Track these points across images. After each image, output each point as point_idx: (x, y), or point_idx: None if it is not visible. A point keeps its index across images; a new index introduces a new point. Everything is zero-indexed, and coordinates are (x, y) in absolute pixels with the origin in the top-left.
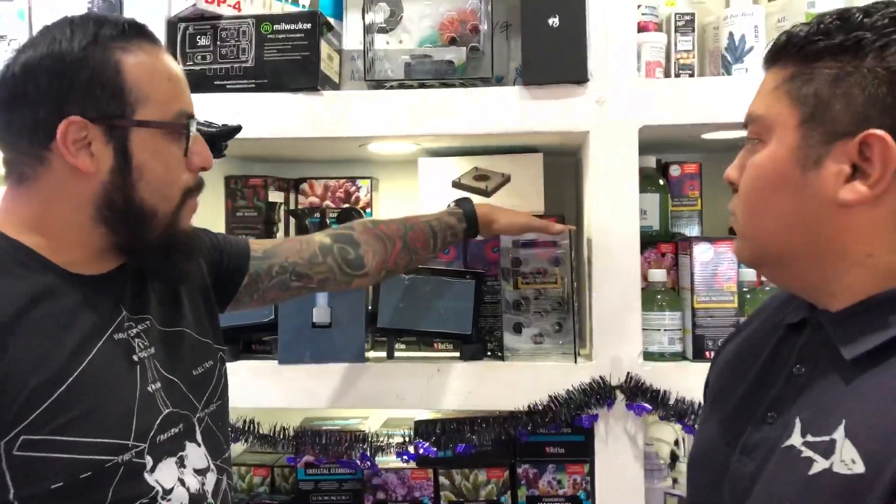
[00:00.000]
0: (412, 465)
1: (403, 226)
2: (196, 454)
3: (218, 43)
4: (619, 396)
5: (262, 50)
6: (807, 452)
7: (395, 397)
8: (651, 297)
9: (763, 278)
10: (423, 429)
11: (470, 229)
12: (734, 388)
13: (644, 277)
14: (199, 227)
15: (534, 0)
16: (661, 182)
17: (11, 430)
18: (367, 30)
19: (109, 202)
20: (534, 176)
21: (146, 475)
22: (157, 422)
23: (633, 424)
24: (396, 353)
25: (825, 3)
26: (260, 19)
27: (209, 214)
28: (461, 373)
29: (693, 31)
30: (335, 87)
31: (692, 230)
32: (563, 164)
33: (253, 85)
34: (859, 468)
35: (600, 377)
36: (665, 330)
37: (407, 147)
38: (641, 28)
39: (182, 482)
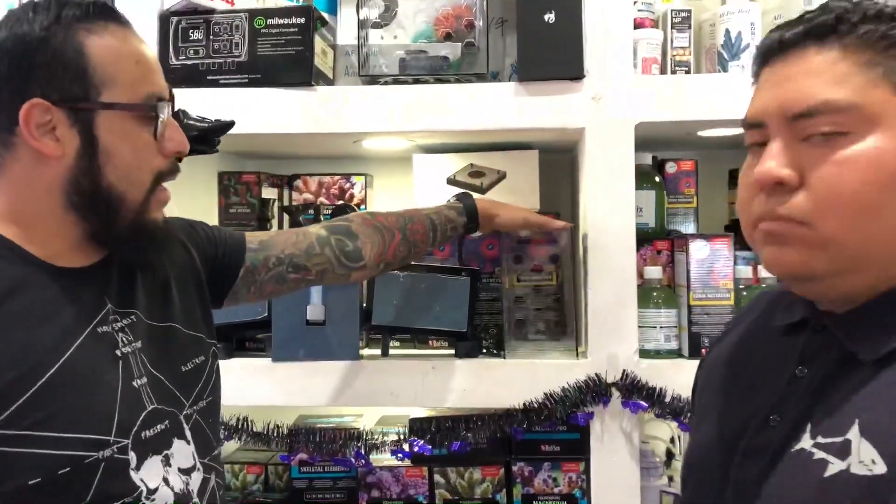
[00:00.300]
0: (407, 462)
1: (402, 218)
2: (183, 452)
3: (211, 37)
4: (615, 394)
5: (256, 45)
6: (819, 454)
7: (390, 395)
8: (647, 295)
9: (760, 275)
10: (417, 426)
11: (470, 224)
12: (728, 392)
13: (640, 275)
14: (195, 219)
15: None
16: (657, 179)
17: None
18: (362, 25)
19: (77, 187)
20: (529, 173)
21: (131, 473)
22: (141, 418)
23: (629, 422)
24: (391, 351)
25: None
26: (253, 14)
27: (202, 211)
28: (456, 370)
29: (689, 27)
30: (329, 82)
31: (688, 227)
32: (559, 162)
33: (246, 80)
34: (880, 468)
35: (596, 375)
36: (661, 327)
37: (401, 143)
38: (638, 24)
39: (166, 482)
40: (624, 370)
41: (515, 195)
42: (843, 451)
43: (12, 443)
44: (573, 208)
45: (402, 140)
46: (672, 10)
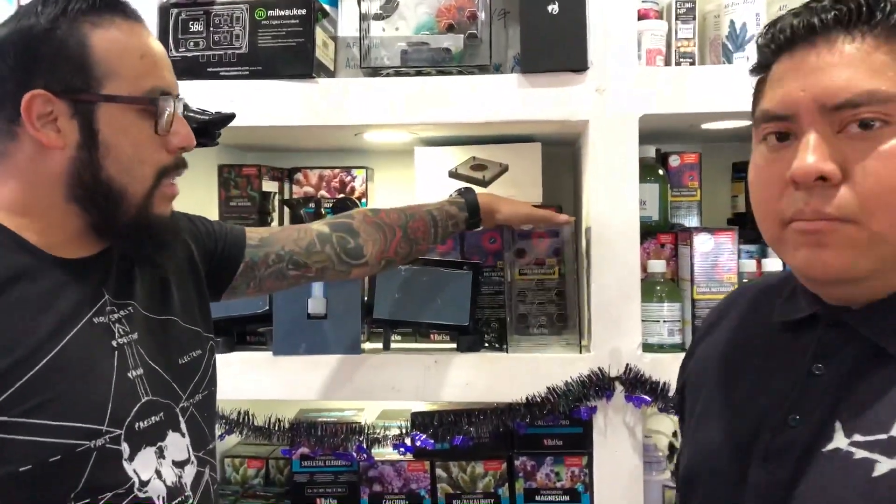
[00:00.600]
0: (409, 457)
1: (404, 215)
2: (177, 444)
3: (211, 29)
4: (618, 388)
5: (256, 36)
6: (861, 454)
7: (392, 389)
8: (650, 288)
9: (764, 269)
10: (419, 421)
11: (472, 219)
12: (728, 392)
13: (643, 268)
14: (195, 214)
15: None
16: (661, 172)
17: None
18: (363, 16)
19: (78, 179)
20: (532, 166)
21: (124, 463)
22: (135, 409)
23: (632, 416)
24: (392, 345)
25: None
26: (254, 5)
27: (202, 204)
28: (458, 364)
29: (694, 18)
30: (330, 74)
31: (691, 221)
32: (561, 155)
33: (247, 72)
34: None
35: (599, 369)
36: (664, 321)
37: (403, 136)
38: (642, 16)
39: (159, 474)
40: (627, 364)
41: (518, 188)
42: (890, 448)
43: (4, 429)
44: (576, 201)
45: (403, 133)
46: (676, 1)
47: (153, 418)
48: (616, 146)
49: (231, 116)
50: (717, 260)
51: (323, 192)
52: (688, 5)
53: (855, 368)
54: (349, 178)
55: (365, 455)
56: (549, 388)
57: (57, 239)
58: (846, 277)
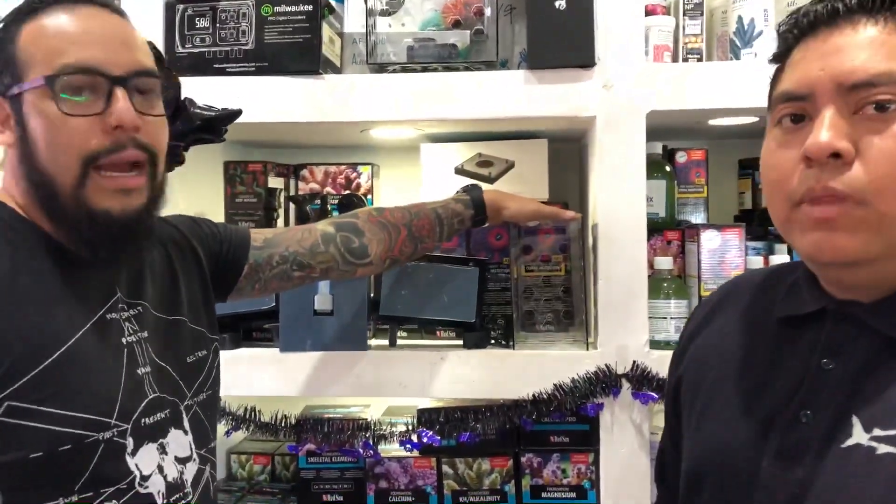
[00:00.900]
0: (415, 453)
1: (408, 214)
2: (180, 442)
3: (217, 25)
4: (625, 385)
5: (263, 32)
6: (884, 448)
7: (398, 385)
8: (657, 285)
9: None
10: (426, 417)
11: (478, 216)
12: (729, 389)
13: (650, 265)
14: (200, 216)
15: None
16: (668, 169)
17: None
18: (369, 12)
19: (24, 174)
20: (538, 162)
21: (127, 457)
22: (142, 405)
23: (639, 413)
24: (399, 342)
25: None
26: (260, 1)
27: (208, 201)
28: (464, 361)
29: (702, 14)
30: (337, 70)
31: (698, 217)
32: (568, 151)
33: (253, 68)
34: None
35: (606, 365)
36: (671, 318)
37: (409, 132)
38: (649, 11)
39: (161, 469)
40: (634, 361)
41: (524, 185)
42: None
43: (20, 415)
44: (582, 198)
45: (409, 129)
46: None
47: (158, 415)
48: (623, 142)
49: (237, 113)
50: (724, 257)
51: (329, 189)
52: (695, 1)
53: (868, 362)
54: (355, 174)
55: (371, 451)
56: (555, 385)
57: (67, 235)
58: (857, 260)
